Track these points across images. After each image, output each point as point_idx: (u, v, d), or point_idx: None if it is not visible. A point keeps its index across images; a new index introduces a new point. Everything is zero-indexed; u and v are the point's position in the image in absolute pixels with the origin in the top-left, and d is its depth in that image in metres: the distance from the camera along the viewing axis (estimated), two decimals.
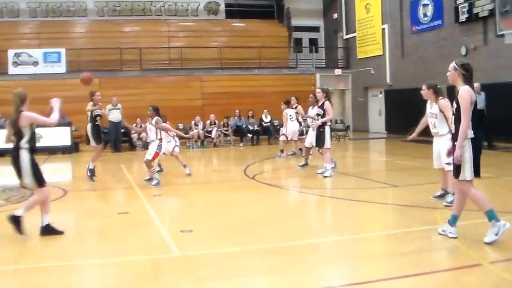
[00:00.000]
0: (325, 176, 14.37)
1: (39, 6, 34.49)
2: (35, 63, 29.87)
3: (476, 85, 19.76)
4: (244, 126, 27.44)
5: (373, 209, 10.98)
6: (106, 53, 30.96)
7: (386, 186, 13.51)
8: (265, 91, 30.90)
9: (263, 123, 27.69)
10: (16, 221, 8.30)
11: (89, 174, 14.89)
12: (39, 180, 8.45)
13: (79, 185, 14.51)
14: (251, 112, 28.01)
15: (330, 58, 37.12)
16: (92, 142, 15.43)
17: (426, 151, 18.28)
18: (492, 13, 22.39)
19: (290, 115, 19.35)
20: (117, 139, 24.84)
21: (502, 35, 21.18)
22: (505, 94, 20.37)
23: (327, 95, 14.75)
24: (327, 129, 14.65)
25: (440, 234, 7.86)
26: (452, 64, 7.77)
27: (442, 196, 10.39)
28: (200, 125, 26.53)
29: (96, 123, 15.35)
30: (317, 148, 15.22)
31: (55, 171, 19.53)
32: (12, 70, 29.52)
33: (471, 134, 7.35)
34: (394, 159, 17.76)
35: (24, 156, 8.31)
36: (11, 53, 29.69)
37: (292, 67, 34.53)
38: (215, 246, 7.96)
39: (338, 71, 34.43)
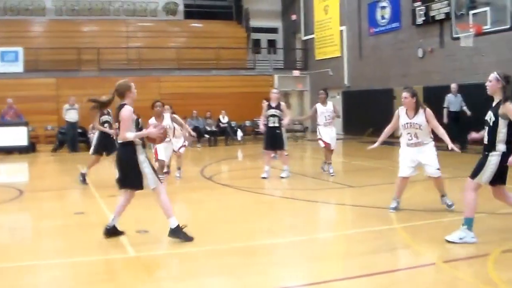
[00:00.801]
0: (281, 177, 14.39)
1: None
2: None
3: (453, 85, 19.96)
4: (201, 127, 27.43)
5: (329, 209, 11.18)
6: (64, 52, 30.58)
7: (342, 186, 13.59)
8: (223, 92, 30.98)
9: (220, 124, 27.78)
10: None
11: (81, 179, 14.45)
12: None
13: (35, 185, 14.46)
14: (209, 113, 28.06)
15: (288, 60, 37.38)
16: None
17: (383, 152, 18.51)
18: (448, 16, 22.70)
19: None
20: (74, 139, 24.71)
21: (458, 38, 21.42)
22: (461, 95, 20.55)
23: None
24: (284, 131, 14.73)
25: (452, 242, 7.50)
26: (494, 75, 7.47)
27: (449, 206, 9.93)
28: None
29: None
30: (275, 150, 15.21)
31: (11, 171, 19.33)
32: None
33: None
34: (350, 160, 17.94)
35: None
36: None
37: (250, 68, 34.66)
38: (171, 247, 7.96)
39: (296, 73, 34.65)
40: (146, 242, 8.30)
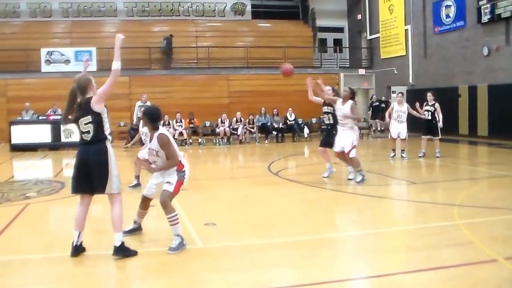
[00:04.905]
0: (349, 179, 13.82)
1: (71, 6, 35.25)
2: (67, 61, 30.54)
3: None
4: (269, 123, 28.01)
5: (392, 205, 11.34)
6: (136, 52, 31.39)
7: (405, 183, 13.90)
8: (290, 90, 30.85)
9: (287, 121, 28.27)
10: None
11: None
12: None
13: None
14: (276, 110, 28.60)
15: (354, 58, 37.36)
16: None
17: (447, 150, 18.82)
18: None
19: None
20: None
21: None
22: None
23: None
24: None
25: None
26: None
27: None
28: (227, 123, 27.15)
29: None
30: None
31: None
32: (44, 68, 30.36)
33: None
34: (415, 156, 18.04)
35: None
36: (43, 51, 30.48)
37: (316, 67, 34.77)
38: (237, 239, 8.14)
39: (361, 71, 34.74)
40: (213, 234, 8.47)
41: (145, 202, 8.22)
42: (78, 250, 7.28)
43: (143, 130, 12.72)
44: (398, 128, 18.16)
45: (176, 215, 7.60)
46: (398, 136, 18.24)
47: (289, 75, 9.36)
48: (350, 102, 13.02)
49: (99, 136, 7.21)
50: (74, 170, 7.31)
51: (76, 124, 7.28)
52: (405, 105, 18.14)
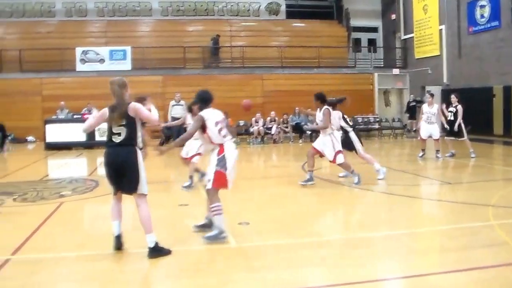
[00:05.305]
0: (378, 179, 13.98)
1: (106, 6, 35.86)
2: (102, 60, 30.92)
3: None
4: (302, 123, 28.06)
5: (426, 205, 11.30)
6: (170, 51, 31.83)
7: (440, 183, 13.79)
8: (324, 90, 30.55)
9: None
10: None
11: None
12: None
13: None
14: (310, 109, 28.60)
15: (388, 58, 37.24)
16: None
17: (483, 150, 18.77)
18: None
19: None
20: (179, 134, 25.06)
21: None
22: None
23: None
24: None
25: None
26: None
27: None
28: (261, 122, 27.39)
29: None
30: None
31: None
32: (79, 67, 30.77)
33: None
34: (449, 157, 18.05)
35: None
36: (78, 50, 30.91)
37: (350, 67, 34.78)
38: (270, 238, 8.22)
39: (396, 71, 34.56)
40: (247, 234, 8.55)
41: None
42: (120, 241, 7.49)
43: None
44: (428, 129, 18.19)
45: (218, 206, 7.83)
46: (430, 137, 18.26)
47: (248, 110, 9.68)
48: (324, 107, 13.04)
49: (130, 140, 7.38)
50: (105, 171, 7.49)
51: (108, 125, 7.46)
52: (435, 106, 18.14)
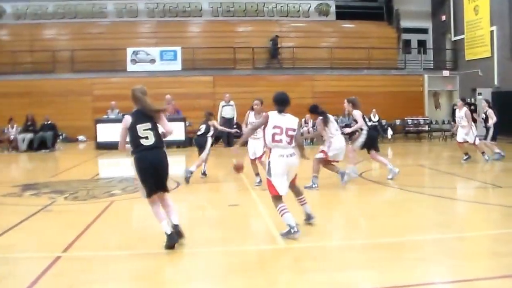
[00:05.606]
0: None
1: (157, 6, 36.39)
2: (152, 61, 31.67)
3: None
4: (352, 124, 28.04)
5: (475, 208, 11.11)
6: (220, 52, 32.34)
7: (490, 186, 13.71)
8: (374, 91, 31.25)
9: (371, 122, 28.42)
10: None
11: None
12: None
13: (191, 177, 14.28)
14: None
15: (438, 60, 37.01)
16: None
17: None
18: None
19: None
20: (229, 134, 24.63)
21: None
22: None
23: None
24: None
25: None
26: None
27: None
28: (310, 123, 27.48)
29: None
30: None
31: (170, 164, 20.52)
32: (130, 67, 31.58)
33: None
34: (501, 160, 18.09)
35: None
36: (129, 51, 31.76)
37: (400, 68, 34.84)
38: (319, 240, 8.26)
39: (446, 73, 34.42)
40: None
41: (292, 190, 8.87)
42: (173, 238, 7.70)
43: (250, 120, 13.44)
44: (461, 132, 18.49)
45: (281, 206, 8.17)
46: (467, 142, 18.42)
47: (239, 172, 10.05)
48: (318, 118, 13.96)
49: (161, 142, 7.85)
50: (142, 174, 7.78)
51: (132, 128, 7.76)
52: (463, 110, 18.35)
